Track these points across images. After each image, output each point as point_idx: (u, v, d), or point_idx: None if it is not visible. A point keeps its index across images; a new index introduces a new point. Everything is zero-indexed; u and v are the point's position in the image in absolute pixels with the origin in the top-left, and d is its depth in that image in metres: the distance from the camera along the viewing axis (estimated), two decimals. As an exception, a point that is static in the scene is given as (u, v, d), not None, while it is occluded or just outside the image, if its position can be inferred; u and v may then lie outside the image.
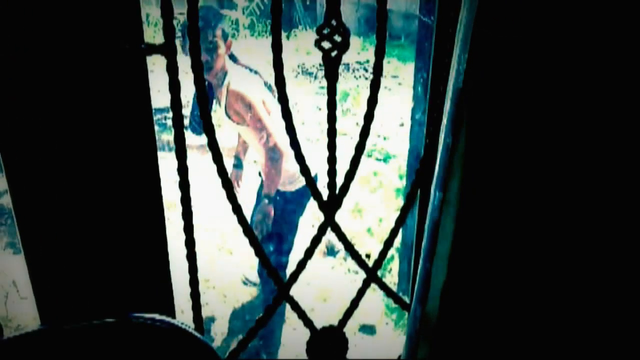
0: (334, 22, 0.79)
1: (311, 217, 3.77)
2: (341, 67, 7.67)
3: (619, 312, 0.85)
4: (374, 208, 4.14)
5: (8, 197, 0.82)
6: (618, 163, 0.76)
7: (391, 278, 3.33)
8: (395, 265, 3.32)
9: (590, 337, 0.86)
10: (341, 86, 6.68)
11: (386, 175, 4.68)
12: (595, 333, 0.85)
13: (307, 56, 8.00)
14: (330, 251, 3.55)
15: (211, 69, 2.32)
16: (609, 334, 0.86)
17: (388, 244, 0.99)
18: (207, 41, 2.30)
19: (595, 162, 0.76)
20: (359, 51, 8.36)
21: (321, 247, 3.53)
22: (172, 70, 0.78)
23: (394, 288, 3.08)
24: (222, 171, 0.88)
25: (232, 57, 2.43)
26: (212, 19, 2.31)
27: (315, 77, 7.29)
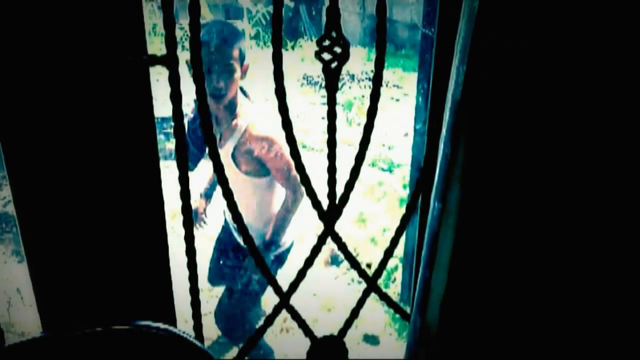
0: (334, 34, 0.80)
1: (313, 226, 3.77)
2: (346, 77, 7.72)
3: (620, 318, 0.85)
4: (377, 218, 4.14)
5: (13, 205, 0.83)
6: (618, 170, 0.76)
7: (395, 288, 3.33)
8: (398, 275, 3.32)
9: (590, 343, 0.86)
10: (346, 96, 6.70)
11: (390, 184, 4.68)
12: (595, 339, 0.85)
13: (312, 66, 8.03)
14: (334, 261, 3.55)
15: (223, 97, 1.94)
16: (610, 339, 0.85)
17: (388, 253, 0.99)
18: (221, 64, 1.89)
19: (596, 171, 0.76)
20: (365, 61, 8.40)
21: (325, 257, 3.52)
22: (174, 81, 0.79)
23: (397, 298, 3.08)
24: (222, 180, 0.89)
25: (243, 91, 2.08)
26: (228, 37, 1.92)
27: (321, 87, 7.32)
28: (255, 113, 2.04)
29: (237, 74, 1.95)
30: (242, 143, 2.00)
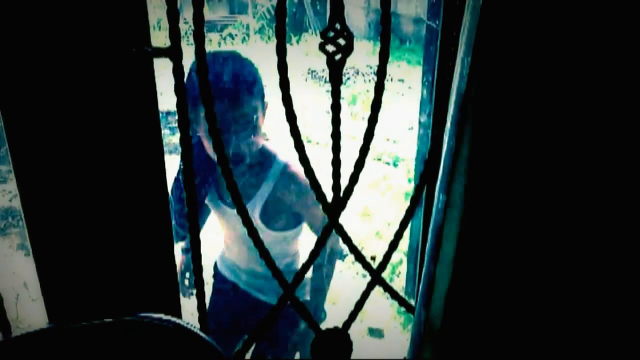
0: (338, 26, 0.79)
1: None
2: (351, 71, 7.71)
3: (623, 314, 0.84)
4: (382, 212, 4.14)
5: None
6: (622, 166, 0.76)
7: (399, 282, 3.33)
8: (403, 269, 3.32)
9: (593, 338, 0.85)
10: (351, 90, 6.69)
11: (395, 178, 4.68)
12: (598, 334, 0.85)
13: (317, 60, 8.02)
14: (339, 255, 3.55)
15: (244, 160, 1.50)
16: (613, 336, 0.85)
17: (392, 246, 0.99)
18: (241, 122, 1.41)
19: (601, 165, 0.76)
20: (370, 55, 8.37)
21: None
22: (178, 73, 0.79)
23: (402, 292, 3.08)
24: (227, 171, 0.89)
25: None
26: (246, 82, 1.42)
27: (325, 81, 7.31)
28: (284, 156, 1.62)
29: (261, 127, 1.50)
30: (272, 200, 1.61)
